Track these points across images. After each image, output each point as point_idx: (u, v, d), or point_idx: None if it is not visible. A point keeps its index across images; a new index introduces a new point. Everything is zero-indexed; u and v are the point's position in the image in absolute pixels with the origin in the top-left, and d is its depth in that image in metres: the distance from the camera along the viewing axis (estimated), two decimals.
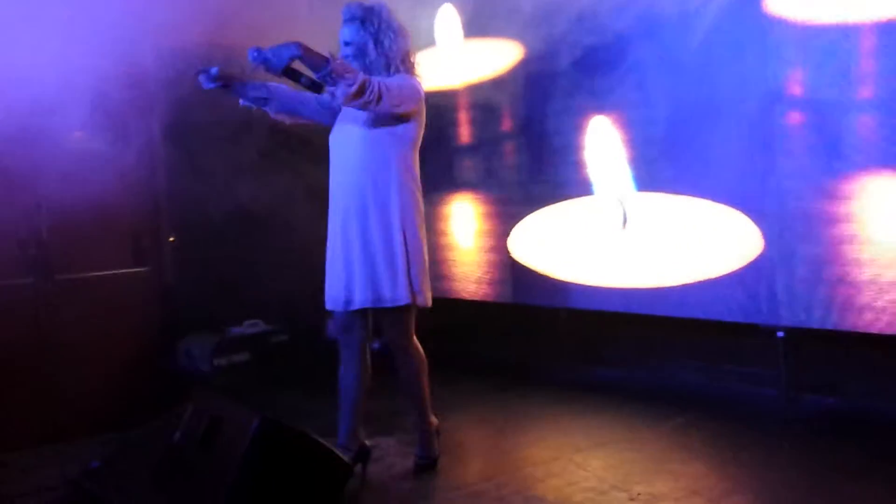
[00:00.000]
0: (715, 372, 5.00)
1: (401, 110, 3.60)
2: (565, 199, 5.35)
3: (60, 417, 4.98)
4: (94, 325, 5.19)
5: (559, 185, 5.39)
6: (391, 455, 4.18)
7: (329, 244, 3.79)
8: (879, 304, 4.11)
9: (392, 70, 3.66)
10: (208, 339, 5.54)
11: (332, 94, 3.43)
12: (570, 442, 4.27)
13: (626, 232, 5.05)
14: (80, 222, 5.06)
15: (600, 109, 5.11)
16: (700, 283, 4.74)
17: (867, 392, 4.46)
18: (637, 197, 5.01)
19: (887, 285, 4.08)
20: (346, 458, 3.49)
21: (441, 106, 5.99)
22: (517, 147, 5.68)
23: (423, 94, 3.73)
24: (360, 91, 3.38)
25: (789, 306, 4.45)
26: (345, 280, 3.68)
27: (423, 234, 3.76)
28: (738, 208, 4.58)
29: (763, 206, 4.48)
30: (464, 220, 6.05)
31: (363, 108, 3.48)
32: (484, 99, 5.82)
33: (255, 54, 3.37)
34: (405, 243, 3.65)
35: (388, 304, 3.66)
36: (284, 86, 3.80)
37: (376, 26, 3.63)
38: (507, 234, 5.72)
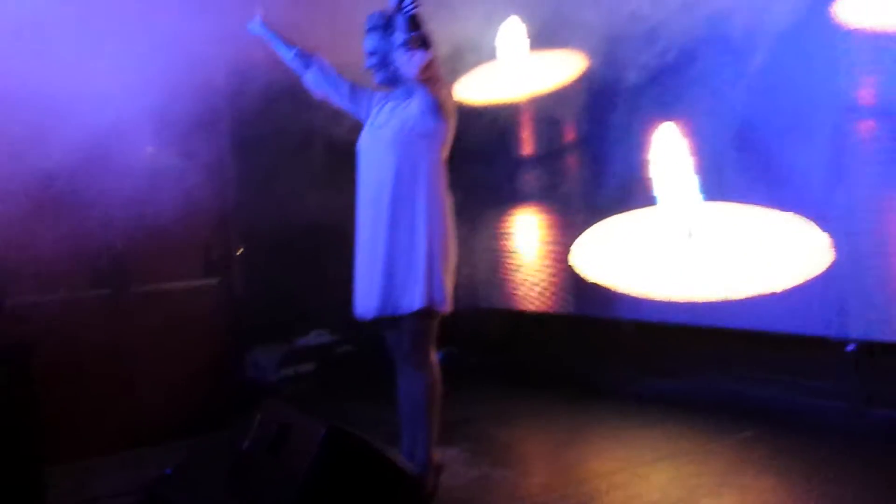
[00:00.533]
0: (783, 385, 4.92)
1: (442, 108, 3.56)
2: (629, 209, 5.33)
3: (136, 425, 5.11)
4: (167, 334, 5.32)
5: (623, 196, 5.37)
6: (456, 464, 4.20)
7: (357, 251, 3.72)
8: None
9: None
10: (275, 349, 5.64)
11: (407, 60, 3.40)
12: (634, 454, 4.24)
13: (693, 242, 5.01)
14: (152, 235, 5.20)
15: (666, 119, 5.08)
16: (768, 295, 4.67)
17: None
18: (704, 206, 4.97)
19: None
20: (409, 466, 3.51)
21: (505, 118, 6.03)
22: (580, 158, 5.69)
23: (449, 105, 3.65)
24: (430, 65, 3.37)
25: (860, 319, 4.37)
26: (368, 286, 3.62)
27: (451, 237, 3.64)
28: (808, 218, 4.52)
29: (833, 216, 4.42)
30: (527, 232, 6.06)
31: (426, 81, 3.44)
32: (548, 111, 5.83)
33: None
34: (430, 247, 3.53)
35: (404, 310, 3.54)
36: (326, 63, 3.88)
37: (397, 34, 3.51)
38: (570, 246, 5.72)
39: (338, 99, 3.90)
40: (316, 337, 5.85)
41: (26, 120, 4.25)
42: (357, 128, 3.92)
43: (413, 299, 3.51)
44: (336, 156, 5.60)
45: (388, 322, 3.67)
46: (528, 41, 5.91)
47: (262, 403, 3.59)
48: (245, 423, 3.51)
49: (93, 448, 4.90)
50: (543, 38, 5.79)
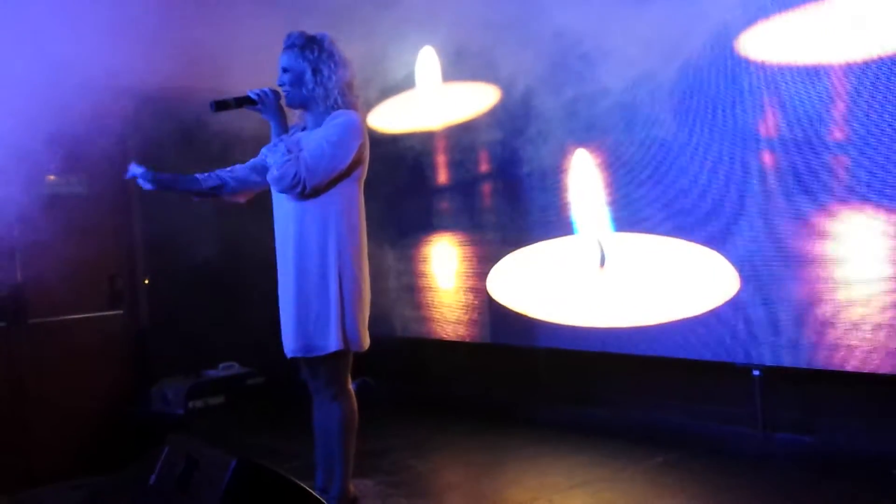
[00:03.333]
0: (693, 411, 5.00)
1: (337, 171, 3.46)
2: (544, 239, 5.38)
3: (36, 463, 4.92)
4: (69, 368, 5.16)
5: (537, 225, 5.42)
6: (371, 497, 4.14)
7: (278, 286, 3.67)
8: (853, 341, 4.15)
9: (331, 102, 3.51)
10: (183, 381, 5.50)
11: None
12: (549, 482, 4.25)
13: (605, 271, 5.08)
14: (55, 266, 5.03)
15: (580, 146, 5.17)
16: (677, 322, 4.76)
17: (842, 430, 4.48)
18: (614, 237, 5.05)
19: (860, 323, 4.12)
20: (324, 500, 3.44)
21: (419, 148, 6.04)
22: (495, 188, 5.72)
23: (363, 129, 3.55)
24: (282, 177, 3.37)
25: (764, 345, 4.48)
26: (285, 325, 3.59)
27: (363, 276, 3.57)
28: (713, 248, 4.63)
29: (737, 245, 4.53)
30: (442, 261, 6.06)
31: (276, 183, 3.43)
32: (462, 140, 5.87)
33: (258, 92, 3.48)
34: (340, 289, 3.47)
35: (319, 353, 3.50)
36: (238, 165, 3.78)
37: (316, 55, 3.50)
38: (486, 275, 5.74)
39: (261, 182, 3.72)
40: (225, 369, 5.72)
41: None
42: None
43: (328, 342, 3.47)
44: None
45: (303, 359, 3.61)
46: (440, 71, 5.95)
47: (168, 437, 3.47)
48: (150, 459, 3.39)
49: None
50: (458, 67, 5.83)
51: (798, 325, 4.35)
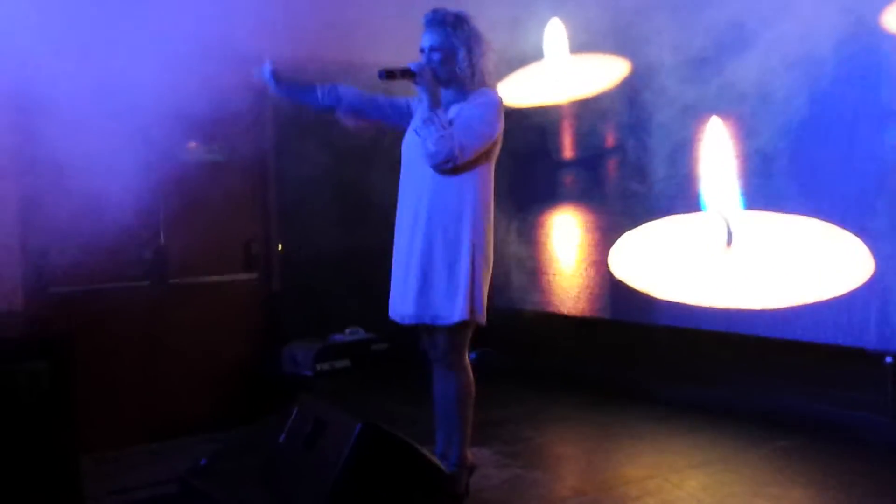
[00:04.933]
0: (819, 396, 4.86)
1: (484, 149, 3.52)
2: (669, 214, 5.31)
3: (170, 416, 5.20)
4: (205, 327, 5.40)
5: (663, 201, 5.34)
6: (487, 465, 4.21)
7: (395, 251, 3.70)
8: None
9: (476, 81, 3.56)
10: (311, 344, 5.70)
11: (417, 134, 3.47)
12: (666, 461, 4.23)
13: (731, 251, 4.98)
14: (194, 229, 5.28)
15: (711, 114, 5.06)
16: (807, 305, 4.64)
17: None
18: (743, 215, 4.94)
19: None
20: (443, 465, 3.53)
21: (546, 121, 6.03)
22: (620, 162, 5.67)
23: (502, 109, 3.59)
24: (437, 153, 3.40)
25: None
26: (403, 292, 3.60)
27: (490, 251, 3.61)
28: (848, 229, 4.48)
29: (875, 227, 4.36)
30: (565, 235, 6.06)
31: (429, 158, 3.45)
32: (589, 114, 5.82)
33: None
34: (472, 262, 3.50)
35: (446, 322, 3.52)
36: (354, 88, 3.79)
37: (467, 34, 3.53)
38: (608, 251, 5.71)
39: (377, 116, 3.82)
40: (351, 334, 5.90)
41: (73, 112, 4.31)
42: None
43: (452, 312, 3.49)
44: (381, 155, 5.70)
45: (423, 327, 3.67)
46: (568, 44, 5.91)
47: (297, 398, 3.62)
48: (280, 418, 3.55)
49: (129, 438, 4.99)
50: (587, 40, 5.78)
51: None
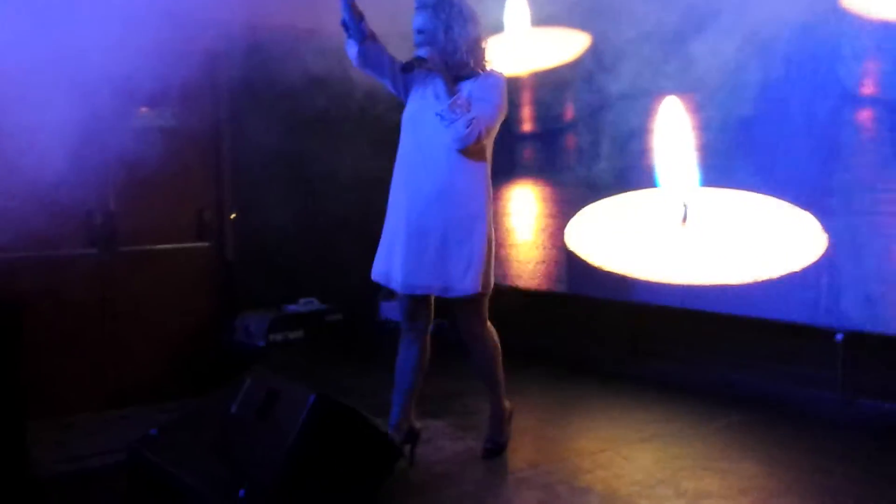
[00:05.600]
0: (771, 372, 4.94)
1: (498, 125, 3.69)
2: (628, 190, 5.32)
3: (121, 385, 5.13)
4: (157, 296, 5.32)
5: (621, 174, 5.36)
6: (440, 437, 4.22)
7: (390, 220, 3.78)
8: None
9: (458, 56, 3.63)
10: (265, 314, 5.64)
11: (442, 118, 3.55)
12: (619, 434, 4.27)
13: (687, 227, 5.01)
14: (145, 196, 5.19)
15: (667, 93, 5.07)
16: (760, 282, 4.68)
17: None
18: (699, 192, 4.97)
19: None
20: (396, 438, 3.53)
21: (509, 93, 5.99)
22: (579, 135, 5.66)
23: (506, 87, 3.72)
24: (469, 135, 3.54)
25: (850, 309, 4.38)
26: (408, 263, 3.65)
27: (491, 218, 3.76)
28: (803, 207, 4.52)
29: (829, 206, 4.41)
30: (523, 209, 6.05)
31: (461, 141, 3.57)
32: (548, 87, 5.80)
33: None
34: (485, 236, 3.65)
35: (459, 294, 3.65)
36: (380, 44, 3.78)
37: (447, 13, 3.62)
38: (566, 226, 5.71)
39: (383, 76, 3.80)
40: (305, 304, 5.85)
41: (19, 76, 4.19)
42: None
43: (466, 285, 3.62)
44: (340, 121, 5.65)
45: (416, 299, 3.78)
46: (531, 17, 5.87)
47: (250, 368, 3.58)
48: (233, 388, 3.51)
49: (78, 406, 4.91)
50: (550, 13, 5.75)
51: (885, 291, 4.24)
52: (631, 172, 5.30)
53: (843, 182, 4.35)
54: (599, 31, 5.39)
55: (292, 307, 5.81)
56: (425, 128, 3.67)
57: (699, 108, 4.97)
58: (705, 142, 4.95)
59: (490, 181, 3.76)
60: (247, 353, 5.41)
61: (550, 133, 5.84)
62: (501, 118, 3.70)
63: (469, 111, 3.53)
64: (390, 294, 6.54)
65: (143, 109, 5.32)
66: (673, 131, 5.07)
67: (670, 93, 5.05)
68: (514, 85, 5.95)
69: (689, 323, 5.22)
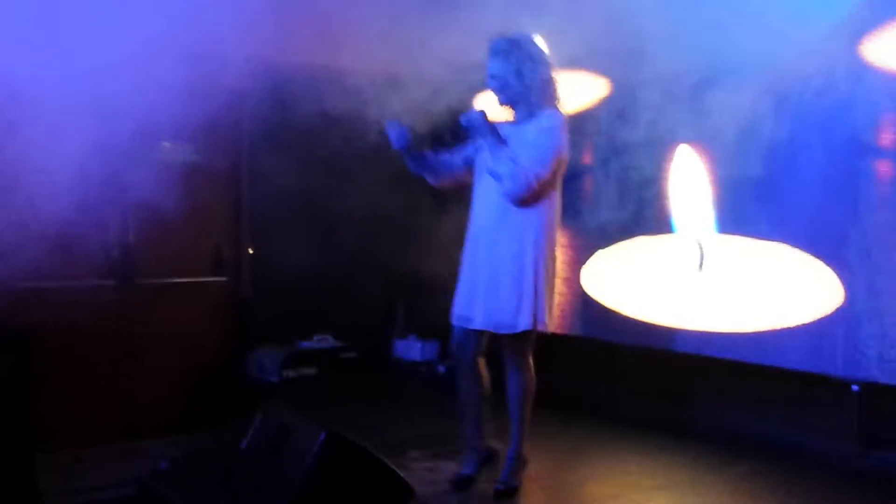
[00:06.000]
0: (785, 421, 4.88)
1: (554, 169, 3.76)
2: (643, 234, 5.32)
3: (133, 418, 5.12)
4: (173, 329, 5.33)
5: (637, 222, 5.36)
6: (451, 480, 4.18)
7: (464, 263, 3.96)
8: None
9: (533, 98, 3.79)
10: (279, 350, 5.64)
11: (493, 176, 3.73)
12: (631, 480, 4.22)
13: (703, 273, 5.00)
14: (164, 230, 5.21)
15: (684, 142, 5.09)
16: (776, 330, 4.66)
17: None
18: (716, 238, 4.96)
19: None
20: (403, 477, 3.51)
21: None
22: (596, 180, 5.68)
23: (566, 127, 3.83)
24: (517, 188, 3.68)
25: (866, 360, 4.35)
26: (470, 300, 3.86)
27: (553, 264, 3.87)
28: (820, 258, 4.51)
29: (846, 257, 4.40)
30: None
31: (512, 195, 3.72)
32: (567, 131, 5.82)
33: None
34: (535, 274, 3.74)
35: (507, 331, 3.79)
36: (434, 155, 4.05)
37: (517, 57, 3.78)
38: (581, 268, 5.71)
39: (458, 177, 4.09)
40: (319, 341, 5.86)
41: (43, 107, 4.25)
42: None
43: (517, 322, 3.77)
44: (357, 160, 5.69)
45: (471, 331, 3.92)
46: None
47: (262, 404, 3.59)
48: (244, 423, 3.51)
49: (89, 438, 4.90)
50: (568, 55, 5.77)
51: None
52: (647, 217, 5.30)
53: (862, 234, 4.34)
54: (619, 77, 5.42)
55: (306, 343, 5.82)
56: (484, 181, 3.87)
57: (715, 157, 4.98)
58: (722, 189, 4.96)
59: (551, 221, 3.82)
60: (260, 389, 5.41)
61: (568, 177, 5.83)
62: (559, 159, 3.77)
63: (515, 163, 3.64)
64: (403, 333, 6.57)
65: (166, 144, 5.37)
66: (689, 178, 5.08)
67: (687, 140, 5.07)
68: None
69: (705, 369, 5.18)
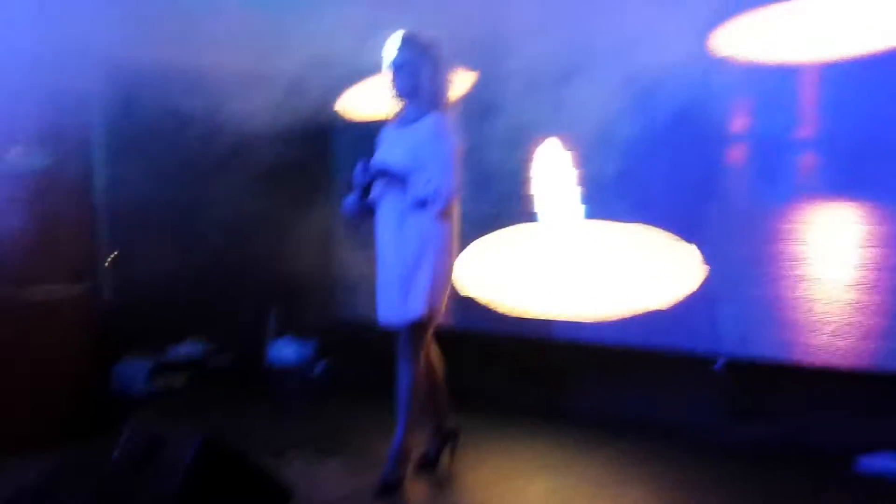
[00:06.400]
0: (658, 400, 5.05)
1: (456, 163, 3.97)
2: (510, 225, 5.39)
3: None
4: (28, 342, 5.07)
5: (504, 211, 5.42)
6: (335, 476, 4.16)
7: (378, 270, 4.14)
8: (815, 336, 4.23)
9: (427, 98, 3.97)
10: (146, 359, 5.46)
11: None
12: (511, 465, 4.29)
13: (572, 260, 5.10)
14: (17, 239, 4.96)
15: (546, 134, 5.18)
16: (643, 311, 4.80)
17: (802, 422, 4.55)
18: (584, 225, 5.08)
19: (823, 318, 4.20)
20: (283, 482, 3.46)
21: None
22: (463, 173, 5.70)
23: (453, 126, 4.03)
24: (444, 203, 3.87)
25: (729, 336, 4.55)
26: (386, 302, 4.05)
27: (451, 253, 4.03)
28: (682, 238, 4.67)
29: (706, 236, 4.58)
30: None
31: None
32: None
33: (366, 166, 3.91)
34: (431, 263, 3.91)
35: (400, 321, 3.94)
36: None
37: (427, 55, 3.97)
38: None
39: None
40: (189, 347, 5.69)
41: None
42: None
43: (409, 312, 3.91)
44: (219, 160, 5.56)
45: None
46: None
47: (132, 415, 3.46)
48: (113, 437, 3.38)
49: None
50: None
51: (761, 318, 4.43)
52: (516, 207, 5.37)
53: (719, 211, 4.53)
54: (483, 71, 5.48)
55: (175, 351, 5.65)
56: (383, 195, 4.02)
57: (579, 149, 5.10)
58: (587, 178, 5.07)
59: (446, 216, 3.95)
60: (129, 400, 5.21)
61: None
62: (458, 154, 3.99)
63: (435, 197, 3.82)
64: (277, 335, 6.47)
65: (15, 149, 5.11)
66: (554, 168, 5.19)
67: (552, 131, 5.17)
68: None
69: (576, 354, 5.30)
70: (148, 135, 5.47)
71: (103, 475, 3.23)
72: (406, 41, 4.01)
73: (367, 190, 4.00)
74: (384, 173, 3.91)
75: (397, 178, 3.88)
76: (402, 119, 4.07)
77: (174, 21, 5.06)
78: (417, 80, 3.94)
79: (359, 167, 3.93)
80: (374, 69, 5.95)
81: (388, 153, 4.04)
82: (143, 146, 5.53)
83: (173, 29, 5.10)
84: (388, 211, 4.01)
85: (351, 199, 4.07)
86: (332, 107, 6.09)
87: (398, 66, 3.98)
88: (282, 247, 5.77)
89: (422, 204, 3.83)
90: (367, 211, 4.11)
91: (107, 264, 5.59)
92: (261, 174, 5.66)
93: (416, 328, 3.95)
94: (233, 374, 5.88)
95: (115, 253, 5.59)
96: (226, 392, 5.72)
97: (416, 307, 3.89)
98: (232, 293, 5.85)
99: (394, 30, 5.89)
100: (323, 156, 6.49)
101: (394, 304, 3.95)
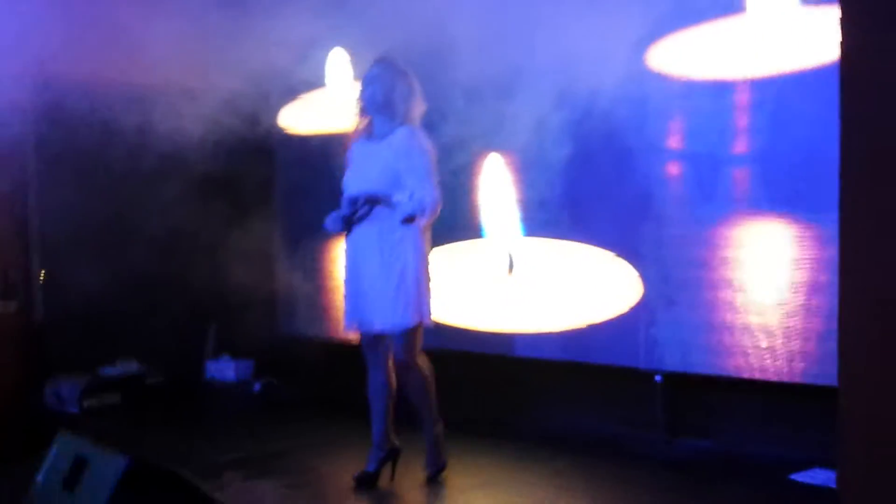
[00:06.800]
0: (598, 415, 5.05)
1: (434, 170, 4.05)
2: (453, 241, 5.37)
3: None
4: None
5: (447, 227, 5.39)
6: (273, 498, 4.08)
7: (347, 279, 4.14)
8: (751, 349, 4.27)
9: (398, 119, 3.99)
10: (78, 378, 5.33)
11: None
12: (452, 482, 4.24)
13: (513, 276, 5.10)
14: None
15: (489, 149, 5.18)
16: (583, 327, 4.81)
17: (738, 435, 4.58)
18: (523, 242, 5.08)
19: (758, 331, 4.24)
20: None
21: (327, 148, 5.96)
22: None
23: (424, 136, 4.06)
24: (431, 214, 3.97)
25: (667, 351, 4.57)
26: (362, 308, 4.06)
27: (428, 260, 4.11)
28: (619, 254, 4.69)
29: (643, 252, 4.61)
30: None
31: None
32: None
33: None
34: (416, 272, 3.99)
35: (398, 329, 3.99)
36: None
37: (400, 77, 4.03)
38: None
39: None
40: (123, 366, 5.56)
41: None
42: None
43: (405, 320, 3.98)
44: (151, 176, 5.46)
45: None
46: (353, 72, 5.89)
47: (58, 434, 3.36)
48: (39, 458, 3.27)
49: None
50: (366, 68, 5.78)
51: (698, 332, 4.46)
52: (459, 224, 5.36)
53: (654, 229, 4.56)
54: (423, 83, 5.45)
55: (109, 370, 5.53)
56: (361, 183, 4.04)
57: (520, 163, 5.11)
58: (527, 195, 5.08)
59: (423, 228, 4.01)
60: (59, 420, 5.06)
61: None
62: (433, 162, 4.04)
63: (422, 208, 3.88)
64: (215, 353, 6.36)
65: None
66: (496, 184, 5.19)
67: (493, 147, 5.17)
68: (338, 140, 5.95)
69: (516, 369, 5.29)
70: (80, 151, 5.36)
71: (27, 498, 3.13)
72: (381, 58, 4.11)
73: (353, 220, 4.04)
74: (373, 201, 3.96)
75: (384, 202, 3.94)
76: (372, 134, 4.09)
77: (110, 35, 4.98)
78: (391, 94, 4.00)
79: (345, 201, 4.02)
80: (315, 84, 5.97)
81: (362, 169, 4.06)
82: (76, 162, 5.43)
83: (110, 43, 5.01)
84: (366, 225, 4.03)
85: (337, 223, 4.12)
86: (271, 121, 6.04)
87: (371, 79, 4.04)
88: (220, 263, 5.68)
89: (409, 220, 3.89)
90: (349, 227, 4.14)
91: (39, 281, 5.45)
92: (198, 190, 5.58)
93: (411, 333, 4.03)
94: (169, 393, 5.76)
95: (45, 271, 5.45)
96: (162, 411, 5.60)
97: (410, 314, 3.98)
98: (168, 310, 5.74)
99: (333, 45, 5.91)
100: (263, 170, 6.42)
101: (386, 314, 3.98)
